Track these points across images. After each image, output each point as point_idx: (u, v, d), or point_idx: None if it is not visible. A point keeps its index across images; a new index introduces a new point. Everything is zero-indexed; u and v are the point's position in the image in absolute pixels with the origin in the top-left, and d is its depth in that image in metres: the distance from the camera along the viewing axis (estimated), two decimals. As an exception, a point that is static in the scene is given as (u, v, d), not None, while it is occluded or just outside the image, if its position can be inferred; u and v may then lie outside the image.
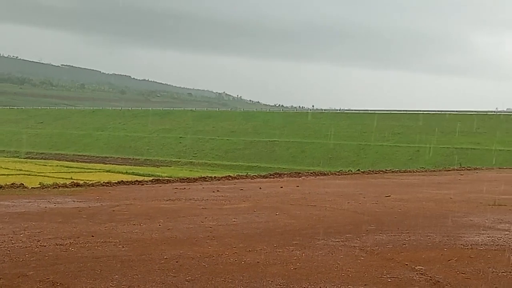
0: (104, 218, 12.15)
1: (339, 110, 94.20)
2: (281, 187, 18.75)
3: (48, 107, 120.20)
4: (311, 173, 25.38)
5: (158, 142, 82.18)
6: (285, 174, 24.67)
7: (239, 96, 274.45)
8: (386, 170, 28.64)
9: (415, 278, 7.41)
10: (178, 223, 11.57)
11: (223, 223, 11.62)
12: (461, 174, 25.26)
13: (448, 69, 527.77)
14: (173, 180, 21.44)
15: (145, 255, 8.61)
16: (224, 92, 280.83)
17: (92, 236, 10.04)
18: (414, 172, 28.13)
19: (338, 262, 8.22)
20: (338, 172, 26.21)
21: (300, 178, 22.81)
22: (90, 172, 49.77)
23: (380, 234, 10.36)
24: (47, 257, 8.34)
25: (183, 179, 21.87)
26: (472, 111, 79.02)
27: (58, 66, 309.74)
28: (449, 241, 9.75)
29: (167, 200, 15.34)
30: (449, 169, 29.68)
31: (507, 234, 10.37)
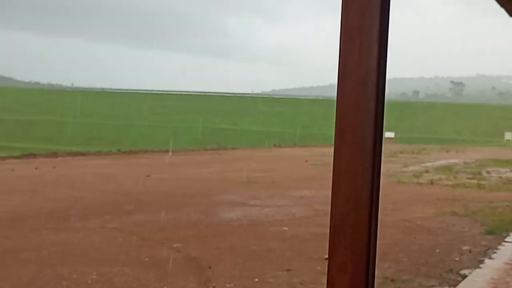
0: None
1: (100, 88, 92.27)
2: (36, 169, 17.77)
3: None
4: (68, 153, 24.50)
5: None
6: (41, 154, 23.48)
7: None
8: (147, 150, 28.71)
9: (171, 256, 7.51)
10: None
11: (-32, 209, 10.65)
12: (219, 154, 26.28)
13: (208, 50, 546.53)
14: None
15: None
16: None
17: None
18: (175, 151, 28.61)
19: (95, 244, 8.01)
20: (98, 152, 25.63)
21: (57, 159, 21.89)
22: None
23: (139, 214, 10.34)
24: None
25: None
26: (230, 93, 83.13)
27: None
28: (206, 219, 10.07)
29: None
30: (208, 148, 30.67)
31: (258, 209, 11.03)
